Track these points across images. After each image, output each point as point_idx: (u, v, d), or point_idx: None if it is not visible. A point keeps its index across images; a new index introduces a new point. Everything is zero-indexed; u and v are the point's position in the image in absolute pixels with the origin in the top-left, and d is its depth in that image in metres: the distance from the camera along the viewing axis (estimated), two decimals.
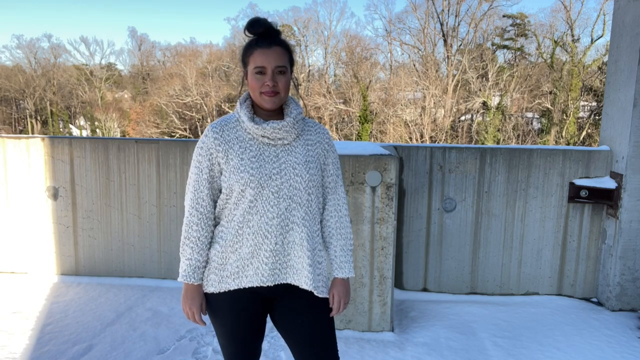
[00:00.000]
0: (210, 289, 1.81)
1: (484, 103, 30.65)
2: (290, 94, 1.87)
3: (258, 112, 1.80)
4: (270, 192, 1.72)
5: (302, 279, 1.79)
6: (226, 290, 1.80)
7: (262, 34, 1.73)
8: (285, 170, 1.74)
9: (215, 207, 1.81)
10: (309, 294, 1.83)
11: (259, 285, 1.78)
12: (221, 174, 1.77)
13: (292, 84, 1.84)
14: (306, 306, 1.84)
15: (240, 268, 1.77)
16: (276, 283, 1.79)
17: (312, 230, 1.80)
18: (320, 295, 1.82)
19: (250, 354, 1.90)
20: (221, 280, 1.79)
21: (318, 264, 1.83)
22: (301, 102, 1.92)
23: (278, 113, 1.81)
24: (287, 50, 1.76)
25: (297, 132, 1.79)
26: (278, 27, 1.77)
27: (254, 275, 1.77)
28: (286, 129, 1.75)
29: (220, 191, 1.81)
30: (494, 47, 33.65)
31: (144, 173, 4.24)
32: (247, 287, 1.79)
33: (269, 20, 1.74)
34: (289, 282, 1.81)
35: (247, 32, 1.74)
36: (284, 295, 1.84)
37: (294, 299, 1.84)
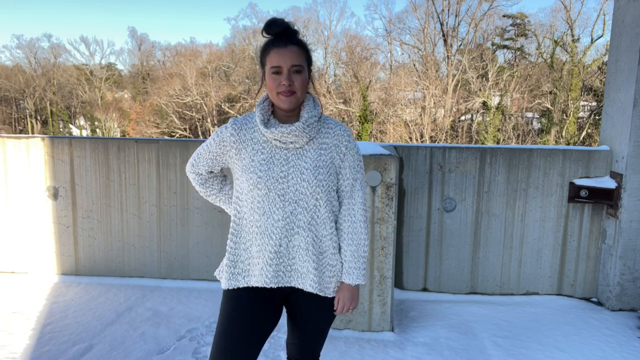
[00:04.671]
0: (224, 285, 1.86)
1: (484, 103, 30.63)
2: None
3: (277, 113, 1.80)
4: (277, 194, 1.73)
5: (307, 282, 1.80)
6: (235, 288, 1.84)
7: (279, 34, 1.73)
8: (292, 174, 1.74)
9: (211, 175, 1.97)
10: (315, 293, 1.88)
11: (262, 286, 1.79)
12: (223, 165, 1.90)
13: (310, 83, 1.83)
14: (313, 304, 1.88)
15: (250, 266, 1.81)
16: (279, 286, 1.81)
17: (319, 234, 1.80)
18: (322, 295, 1.84)
19: (240, 354, 1.79)
20: (231, 277, 1.84)
21: (330, 266, 1.83)
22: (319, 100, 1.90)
23: (297, 114, 1.80)
24: (304, 50, 1.75)
25: (309, 135, 1.76)
26: (295, 27, 1.77)
27: (259, 275, 1.79)
28: (295, 133, 1.73)
29: (220, 170, 1.97)
30: (494, 47, 33.64)
31: (144, 173, 4.24)
32: (253, 286, 1.81)
33: (286, 20, 1.74)
34: (292, 285, 1.82)
35: (264, 33, 1.75)
36: (295, 292, 1.89)
37: (303, 295, 1.89)
